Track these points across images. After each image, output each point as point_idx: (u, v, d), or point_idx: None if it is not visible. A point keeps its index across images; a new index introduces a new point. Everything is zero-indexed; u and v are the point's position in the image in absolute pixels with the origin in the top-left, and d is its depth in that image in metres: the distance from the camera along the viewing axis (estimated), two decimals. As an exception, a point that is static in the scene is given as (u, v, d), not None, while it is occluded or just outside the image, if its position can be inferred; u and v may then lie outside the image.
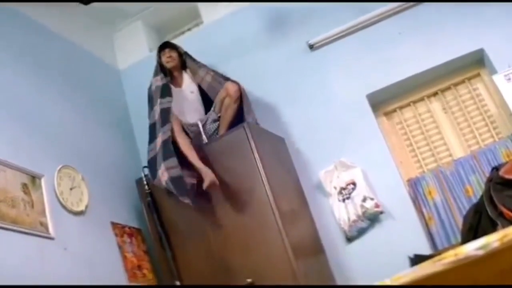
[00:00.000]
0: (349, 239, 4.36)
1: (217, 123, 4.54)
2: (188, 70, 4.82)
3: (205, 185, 4.01)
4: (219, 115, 4.53)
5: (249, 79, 4.96)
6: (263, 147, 4.21)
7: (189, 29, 5.73)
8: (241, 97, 4.49)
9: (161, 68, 4.73)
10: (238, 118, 4.48)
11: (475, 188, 4.22)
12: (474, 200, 4.02)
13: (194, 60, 4.83)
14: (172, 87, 4.66)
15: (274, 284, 3.79)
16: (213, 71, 4.78)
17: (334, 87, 4.79)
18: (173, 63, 4.72)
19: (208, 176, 4.05)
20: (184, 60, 4.81)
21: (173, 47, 4.79)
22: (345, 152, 4.54)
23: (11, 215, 3.37)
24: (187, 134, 4.42)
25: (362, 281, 4.03)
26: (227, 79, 4.64)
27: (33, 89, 4.25)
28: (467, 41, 4.50)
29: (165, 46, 4.79)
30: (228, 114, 4.46)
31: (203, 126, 4.54)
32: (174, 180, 4.06)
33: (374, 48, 4.74)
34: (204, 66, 4.80)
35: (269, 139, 4.50)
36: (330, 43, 4.91)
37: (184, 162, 4.16)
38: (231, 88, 4.48)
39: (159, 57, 4.76)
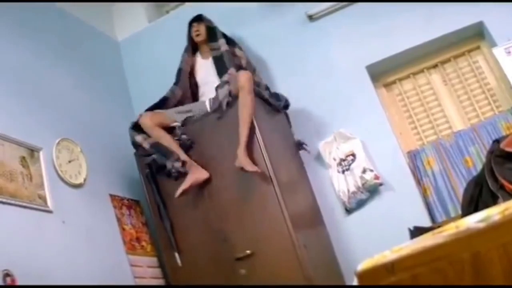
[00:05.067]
0: (349, 211, 4.36)
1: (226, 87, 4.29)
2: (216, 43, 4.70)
3: (183, 186, 4.02)
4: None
5: (248, 49, 4.93)
6: (262, 117, 4.19)
7: (188, -1, 5.66)
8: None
9: (191, 43, 4.75)
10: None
11: (475, 159, 4.22)
12: (474, 172, 4.01)
13: (224, 35, 4.74)
14: (199, 58, 4.72)
15: (274, 256, 3.81)
16: (237, 49, 4.71)
17: (334, 58, 4.77)
18: (200, 37, 4.70)
19: (194, 173, 4.08)
20: (214, 33, 4.71)
21: (201, 20, 4.74)
22: (345, 123, 4.53)
23: (10, 189, 3.36)
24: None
25: (361, 253, 4.04)
26: (241, 66, 4.51)
27: (31, 62, 4.22)
28: (467, 13, 4.46)
29: (194, 20, 4.76)
30: (246, 113, 4.04)
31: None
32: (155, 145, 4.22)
33: (374, 19, 4.69)
34: (229, 43, 4.69)
35: (268, 110, 4.46)
36: (329, 14, 4.87)
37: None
38: (241, 77, 4.17)
39: (189, 31, 4.75)
